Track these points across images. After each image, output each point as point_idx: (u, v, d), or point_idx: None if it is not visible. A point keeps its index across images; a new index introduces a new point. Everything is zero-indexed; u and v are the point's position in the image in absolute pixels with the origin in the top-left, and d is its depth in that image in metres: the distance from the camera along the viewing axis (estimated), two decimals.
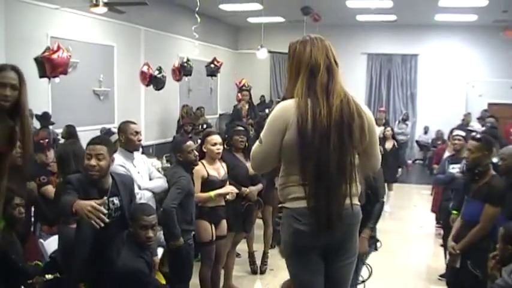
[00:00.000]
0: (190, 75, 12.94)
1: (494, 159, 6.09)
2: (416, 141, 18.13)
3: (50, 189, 5.93)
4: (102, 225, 3.60)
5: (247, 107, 12.31)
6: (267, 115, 3.45)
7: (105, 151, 4.14)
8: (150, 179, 5.46)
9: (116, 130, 5.95)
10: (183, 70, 12.62)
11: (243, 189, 6.05)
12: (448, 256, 5.41)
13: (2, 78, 3.41)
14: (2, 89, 3.41)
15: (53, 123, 9.03)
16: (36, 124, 8.79)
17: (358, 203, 3.36)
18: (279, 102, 3.47)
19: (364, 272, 5.20)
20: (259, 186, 6.41)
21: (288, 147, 3.21)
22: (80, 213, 3.65)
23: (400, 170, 11.23)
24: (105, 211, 3.70)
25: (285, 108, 3.23)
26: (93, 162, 4.07)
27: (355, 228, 3.38)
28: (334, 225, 3.20)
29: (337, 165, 3.14)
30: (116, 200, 4.25)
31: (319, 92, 3.16)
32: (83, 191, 4.02)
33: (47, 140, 6.54)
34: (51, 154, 6.29)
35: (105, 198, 3.94)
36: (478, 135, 5.59)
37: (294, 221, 3.31)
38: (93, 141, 4.23)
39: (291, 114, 3.16)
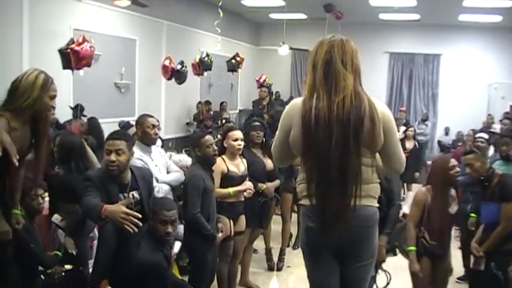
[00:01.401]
0: (210, 70, 12.94)
1: None
2: (439, 142, 17.98)
3: None
4: (136, 230, 3.65)
5: (266, 103, 12.34)
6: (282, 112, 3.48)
7: (124, 146, 4.16)
8: (168, 173, 5.47)
9: (134, 123, 5.97)
10: (202, 65, 12.62)
11: (260, 185, 6.04)
12: (471, 258, 5.38)
13: (54, 91, 3.63)
14: (53, 101, 3.59)
15: (85, 115, 9.11)
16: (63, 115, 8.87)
17: (372, 205, 3.32)
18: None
19: (381, 279, 5.17)
20: (277, 182, 6.41)
21: (294, 144, 3.29)
22: (111, 219, 3.72)
23: (417, 174, 11.20)
24: (139, 215, 3.73)
25: (293, 105, 3.32)
26: (113, 157, 4.09)
27: (368, 231, 3.34)
28: (335, 225, 3.21)
29: (339, 164, 3.12)
30: (135, 194, 4.27)
31: (321, 90, 3.19)
32: (103, 187, 4.05)
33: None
34: None
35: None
36: (470, 149, 5.61)
37: (306, 218, 3.39)
38: (112, 136, 4.25)
39: (297, 111, 3.23)
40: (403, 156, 3.43)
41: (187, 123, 12.81)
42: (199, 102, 14.27)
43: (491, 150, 8.26)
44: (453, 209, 5.05)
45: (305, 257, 3.56)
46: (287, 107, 3.42)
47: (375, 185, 3.34)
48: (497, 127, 12.83)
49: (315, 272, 3.51)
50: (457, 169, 5.02)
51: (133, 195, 4.23)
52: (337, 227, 3.22)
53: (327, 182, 3.16)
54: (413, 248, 5.08)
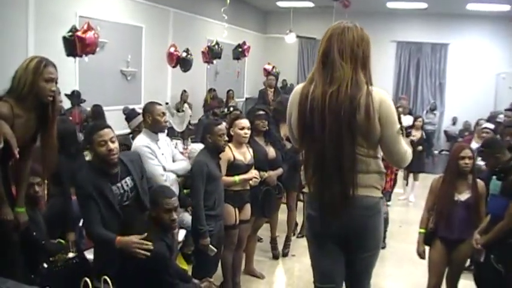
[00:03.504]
0: (219, 58, 13.00)
1: None
2: (445, 132, 17.94)
3: None
4: (148, 254, 3.88)
5: (272, 91, 12.32)
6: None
7: (114, 133, 4.18)
8: (174, 161, 5.45)
9: (141, 111, 5.94)
10: (211, 53, 12.63)
11: (262, 173, 6.01)
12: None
13: (50, 74, 3.54)
14: (51, 84, 3.53)
15: (83, 101, 9.09)
16: (65, 103, 8.86)
17: (372, 195, 3.31)
18: None
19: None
20: (279, 170, 6.38)
21: (293, 128, 3.42)
22: (126, 251, 3.92)
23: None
24: (150, 243, 3.94)
25: (294, 92, 3.41)
26: (111, 146, 4.09)
27: (369, 221, 3.35)
28: (332, 213, 3.25)
29: (333, 152, 3.15)
30: (128, 181, 4.28)
31: (318, 78, 3.23)
32: (94, 188, 4.05)
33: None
34: None
35: (145, 234, 4.04)
36: (481, 146, 5.58)
37: (307, 206, 3.50)
38: (100, 127, 4.23)
39: (297, 97, 3.32)
40: (406, 150, 3.34)
41: (166, 103, 12.65)
42: (211, 90, 14.29)
43: None
44: (464, 196, 5.02)
45: (309, 244, 3.62)
46: (291, 94, 3.47)
47: (374, 175, 3.31)
48: (501, 117, 12.81)
49: (318, 259, 3.57)
50: (467, 161, 5.01)
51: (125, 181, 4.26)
52: (335, 216, 3.25)
53: (323, 169, 3.22)
54: (422, 230, 5.30)
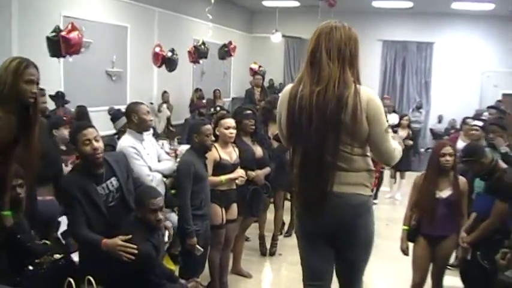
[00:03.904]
0: (205, 57, 12.98)
1: (503, 150, 6.06)
2: (431, 130, 18.01)
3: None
4: (133, 258, 3.89)
5: (259, 90, 12.32)
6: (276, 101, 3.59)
7: (98, 133, 4.19)
8: (159, 161, 5.44)
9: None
10: (197, 52, 12.62)
11: (249, 172, 6.01)
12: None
13: (31, 75, 3.46)
14: (31, 85, 3.46)
15: (67, 102, 9.03)
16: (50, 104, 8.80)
17: (360, 193, 3.32)
18: None
19: None
20: (267, 170, 6.38)
21: (282, 127, 3.46)
22: (112, 253, 3.94)
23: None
24: (134, 246, 3.94)
25: (284, 91, 3.43)
26: (96, 144, 4.08)
27: (357, 219, 3.36)
28: (315, 211, 3.30)
29: (317, 150, 3.18)
30: (114, 181, 4.26)
31: (306, 78, 3.26)
32: (78, 188, 4.04)
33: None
34: (64, 132, 6.29)
35: (130, 236, 4.02)
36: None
37: (296, 204, 3.55)
38: (84, 126, 4.23)
39: (286, 96, 3.35)
40: (394, 148, 3.36)
41: (151, 103, 12.60)
42: (198, 90, 14.26)
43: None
44: (445, 193, 5.04)
45: (299, 242, 3.65)
46: (281, 94, 3.50)
47: (361, 173, 3.32)
48: (486, 114, 12.92)
49: (308, 257, 3.60)
50: (448, 158, 5.03)
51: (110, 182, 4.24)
52: (318, 213, 3.29)
53: (307, 167, 3.26)
54: (405, 227, 5.35)
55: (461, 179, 5.17)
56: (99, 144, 4.11)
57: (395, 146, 3.37)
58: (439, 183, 5.09)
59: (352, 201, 3.29)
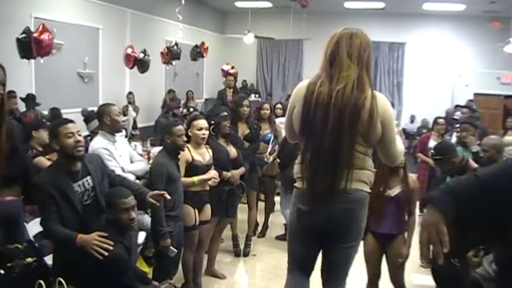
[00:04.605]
0: (178, 59, 12.96)
1: (474, 149, 6.11)
2: (403, 130, 18.12)
3: (43, 159, 5.98)
4: (106, 254, 3.79)
5: (231, 92, 12.32)
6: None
7: (78, 128, 4.19)
8: (131, 162, 5.42)
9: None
10: (170, 53, 12.59)
11: (225, 173, 6.01)
12: None
13: None
14: None
15: (38, 104, 8.96)
16: (21, 106, 8.73)
17: (363, 189, 3.49)
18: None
19: None
20: (241, 170, 6.38)
21: (295, 121, 3.57)
22: (86, 248, 3.83)
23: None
24: (111, 243, 3.86)
25: (299, 87, 3.59)
26: (79, 137, 4.08)
27: (354, 213, 3.51)
28: (324, 206, 3.42)
29: (332, 146, 3.32)
30: (89, 180, 4.23)
31: (325, 76, 3.43)
32: (53, 185, 3.99)
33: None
34: (44, 134, 6.25)
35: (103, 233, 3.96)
36: (435, 154, 5.64)
37: (297, 200, 3.62)
38: (65, 122, 4.20)
39: (302, 91, 3.49)
40: (401, 150, 3.65)
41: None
42: (170, 91, 14.17)
43: (453, 138, 8.39)
44: (394, 192, 5.08)
45: (290, 235, 3.82)
46: (295, 88, 3.65)
47: (367, 171, 3.50)
48: (458, 114, 13.10)
49: (296, 248, 3.76)
50: None
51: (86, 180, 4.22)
52: (326, 208, 3.43)
53: (319, 162, 3.38)
54: None
55: (411, 177, 5.21)
56: (81, 138, 4.11)
57: (401, 148, 3.65)
58: (389, 181, 5.12)
59: (355, 196, 3.46)
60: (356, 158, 3.38)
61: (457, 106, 14.69)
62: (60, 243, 4.14)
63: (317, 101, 3.36)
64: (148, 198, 4.37)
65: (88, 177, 4.22)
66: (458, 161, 5.16)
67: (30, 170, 5.45)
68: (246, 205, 7.51)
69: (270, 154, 7.60)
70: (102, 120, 5.27)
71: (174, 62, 13.15)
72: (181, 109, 12.34)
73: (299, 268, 3.79)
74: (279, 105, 9.53)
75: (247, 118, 7.24)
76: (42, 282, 3.85)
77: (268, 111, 7.88)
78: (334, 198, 3.39)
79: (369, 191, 3.56)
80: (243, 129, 7.13)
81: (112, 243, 3.86)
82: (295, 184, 3.66)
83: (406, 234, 5.18)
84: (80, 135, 4.12)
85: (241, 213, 7.36)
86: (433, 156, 5.49)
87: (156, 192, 4.51)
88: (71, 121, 4.21)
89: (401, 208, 5.09)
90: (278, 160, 7.56)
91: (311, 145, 3.43)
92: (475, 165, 5.25)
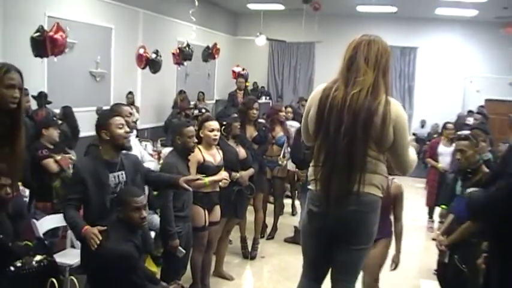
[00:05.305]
0: (190, 59, 12.97)
1: (486, 157, 6.07)
2: (413, 134, 18.07)
3: (51, 163, 6.09)
4: (95, 246, 3.91)
5: (242, 94, 12.34)
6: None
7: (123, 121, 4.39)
8: (142, 162, 5.44)
9: None
10: (182, 54, 12.61)
11: (234, 174, 6.02)
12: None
13: (11, 80, 3.38)
14: (12, 90, 3.38)
15: (50, 102, 8.99)
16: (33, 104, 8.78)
17: (374, 193, 3.48)
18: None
19: None
20: (251, 171, 6.39)
21: (310, 122, 3.60)
22: (86, 239, 3.98)
23: None
24: (100, 237, 3.97)
25: (316, 90, 3.61)
26: (128, 130, 4.35)
27: (365, 216, 3.51)
28: (337, 209, 3.43)
29: (346, 150, 3.34)
30: (124, 174, 4.35)
31: (341, 80, 3.47)
32: (90, 172, 4.15)
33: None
34: (54, 132, 6.31)
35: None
36: (464, 134, 5.56)
37: (309, 202, 3.63)
38: (115, 114, 4.46)
39: (318, 94, 3.53)
40: (414, 159, 3.63)
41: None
42: (181, 92, 14.14)
43: None
44: None
45: (302, 236, 3.85)
46: (313, 91, 3.68)
47: (379, 176, 3.50)
48: (470, 119, 13.03)
49: (308, 250, 3.79)
50: None
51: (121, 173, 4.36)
52: (338, 210, 3.44)
53: (333, 165, 3.40)
54: None
55: (395, 183, 5.09)
56: (129, 130, 4.38)
57: (414, 157, 3.63)
58: None
59: (366, 199, 3.45)
60: (368, 162, 3.40)
61: (469, 112, 14.65)
62: (69, 228, 4.29)
63: (331, 104, 3.40)
64: (181, 183, 4.43)
65: (123, 172, 4.35)
66: (476, 158, 5.12)
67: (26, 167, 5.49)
68: (253, 207, 7.50)
69: (283, 157, 7.64)
70: None
71: (185, 63, 13.16)
72: (192, 110, 12.35)
73: (312, 271, 3.82)
74: (289, 109, 9.51)
75: (255, 120, 7.27)
76: (54, 280, 3.88)
77: (289, 114, 7.98)
78: (347, 200, 3.40)
79: (381, 195, 3.55)
80: (251, 132, 7.15)
81: (101, 238, 3.94)
82: (309, 186, 3.67)
83: (393, 239, 5.13)
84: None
85: (250, 215, 7.37)
86: (459, 137, 5.40)
87: (190, 176, 4.64)
88: (119, 114, 4.45)
89: (385, 213, 4.97)
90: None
91: (325, 148, 3.46)
92: (486, 169, 5.21)
